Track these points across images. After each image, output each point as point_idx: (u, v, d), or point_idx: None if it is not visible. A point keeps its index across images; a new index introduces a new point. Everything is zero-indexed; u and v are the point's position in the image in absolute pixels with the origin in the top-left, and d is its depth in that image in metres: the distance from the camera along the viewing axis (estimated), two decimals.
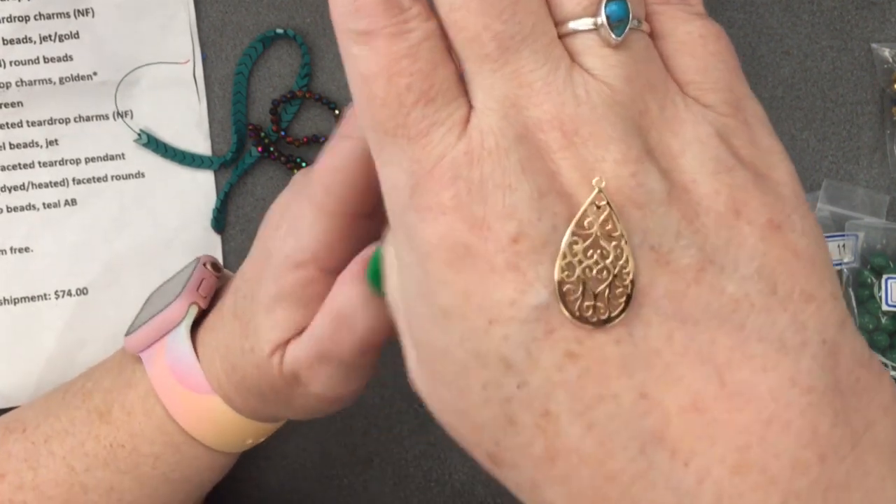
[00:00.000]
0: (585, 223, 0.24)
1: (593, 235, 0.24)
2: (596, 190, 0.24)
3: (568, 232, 0.24)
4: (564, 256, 0.23)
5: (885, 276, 0.50)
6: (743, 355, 0.23)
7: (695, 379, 0.23)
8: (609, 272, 0.24)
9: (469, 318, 0.24)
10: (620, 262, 0.24)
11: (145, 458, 0.40)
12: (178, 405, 0.40)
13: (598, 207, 0.24)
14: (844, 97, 0.52)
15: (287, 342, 0.37)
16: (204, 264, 0.42)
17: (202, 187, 0.50)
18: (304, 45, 0.49)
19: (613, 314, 0.23)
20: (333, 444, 0.51)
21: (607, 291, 0.24)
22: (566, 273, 0.23)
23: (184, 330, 0.40)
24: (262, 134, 0.50)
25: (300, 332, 0.37)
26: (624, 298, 0.24)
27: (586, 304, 0.23)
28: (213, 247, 0.50)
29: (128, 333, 0.41)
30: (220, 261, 0.50)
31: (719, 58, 0.26)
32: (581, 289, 0.23)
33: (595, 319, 0.23)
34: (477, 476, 0.51)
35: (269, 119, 0.50)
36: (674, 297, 0.24)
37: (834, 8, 0.51)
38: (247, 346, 0.38)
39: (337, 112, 0.50)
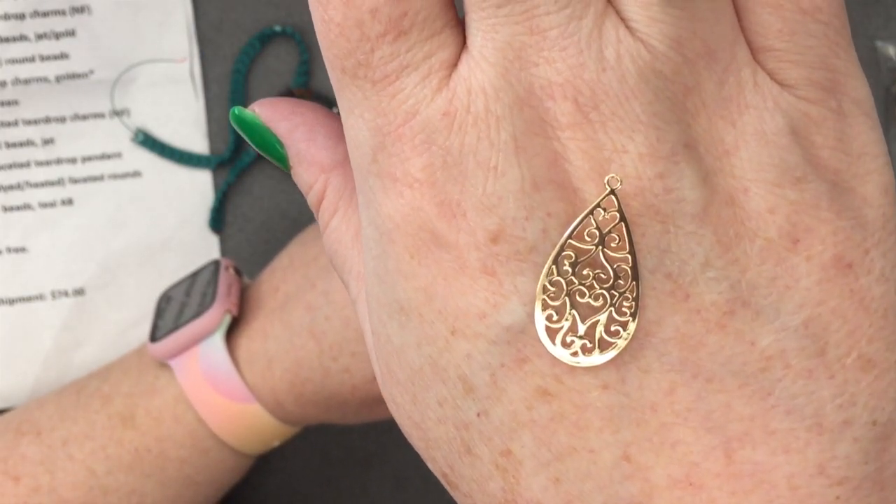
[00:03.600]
0: (586, 233, 0.19)
1: (593, 250, 0.19)
2: (607, 190, 0.18)
3: (560, 242, 0.19)
4: (552, 272, 0.19)
5: None
6: (763, 429, 0.19)
7: (694, 448, 0.19)
8: (606, 300, 0.19)
9: (429, 323, 0.20)
10: (623, 290, 0.19)
11: (171, 462, 0.40)
12: (212, 412, 0.40)
13: (607, 213, 0.18)
14: None
15: None
16: (227, 268, 0.43)
17: (200, 186, 0.49)
18: (303, 43, 0.49)
19: (603, 353, 0.19)
20: (332, 445, 0.51)
21: (600, 324, 0.19)
22: (550, 293, 0.19)
23: (220, 338, 0.40)
24: None
25: None
26: (620, 336, 0.19)
27: (570, 335, 0.19)
28: (211, 246, 0.50)
29: (153, 339, 0.41)
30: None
31: (816, 18, 0.19)
32: (567, 315, 0.19)
33: (579, 357, 0.19)
34: None
35: None
36: (687, 342, 0.19)
37: None
38: (336, 367, 0.39)
39: (336, 110, 0.49)
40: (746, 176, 0.19)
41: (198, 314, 0.41)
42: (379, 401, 0.41)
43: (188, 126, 0.49)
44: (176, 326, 0.41)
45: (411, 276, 0.20)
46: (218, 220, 0.50)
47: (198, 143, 0.49)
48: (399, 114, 0.19)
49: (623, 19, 0.19)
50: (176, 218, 0.49)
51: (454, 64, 0.19)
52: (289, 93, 0.49)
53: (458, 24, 0.19)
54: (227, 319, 0.41)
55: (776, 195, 0.19)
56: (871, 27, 0.50)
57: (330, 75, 0.20)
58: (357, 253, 0.23)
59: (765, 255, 0.19)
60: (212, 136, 0.49)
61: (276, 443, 0.42)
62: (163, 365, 0.41)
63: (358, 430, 0.50)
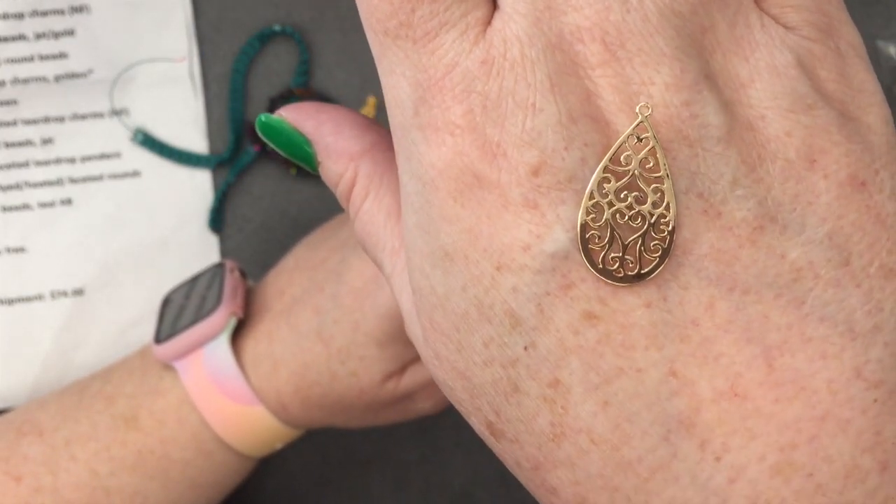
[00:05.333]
0: (622, 158, 0.20)
1: (630, 174, 0.20)
2: (639, 118, 0.20)
3: (600, 167, 0.20)
4: (592, 196, 0.20)
5: None
6: (800, 336, 0.20)
7: (737, 359, 0.20)
8: (645, 220, 0.20)
9: (474, 263, 0.21)
10: (660, 210, 0.20)
11: (174, 464, 0.40)
12: (217, 414, 0.40)
13: (640, 140, 0.20)
14: None
15: (402, 370, 0.40)
16: (232, 271, 0.43)
17: (199, 186, 0.49)
18: (302, 43, 0.49)
19: (645, 270, 0.20)
20: (333, 446, 0.51)
21: (640, 243, 0.20)
22: (592, 216, 0.20)
23: (225, 340, 0.40)
24: None
25: (413, 360, 0.39)
26: (659, 253, 0.20)
27: (613, 255, 0.20)
28: (211, 247, 0.50)
29: (158, 341, 0.41)
30: (218, 261, 0.50)
31: None
32: (609, 237, 0.20)
33: (622, 275, 0.20)
34: (477, 480, 0.51)
35: None
36: (722, 257, 0.20)
37: None
38: (344, 371, 0.39)
39: None
40: (763, 104, 0.20)
41: (203, 316, 0.41)
42: (384, 405, 0.41)
43: (187, 126, 0.49)
44: (181, 328, 0.41)
45: (455, 220, 0.21)
46: (217, 220, 0.50)
47: (197, 142, 0.49)
48: (440, 67, 0.21)
49: None
50: (175, 218, 0.49)
51: (488, 21, 0.21)
52: (289, 92, 0.49)
53: None
54: (233, 322, 0.41)
55: (791, 120, 0.20)
56: (871, 27, 0.50)
57: (371, 42, 0.22)
58: (390, 230, 0.24)
59: (786, 174, 0.20)
60: (211, 135, 0.49)
61: (279, 445, 0.42)
62: (167, 366, 0.41)
63: (358, 432, 0.50)
